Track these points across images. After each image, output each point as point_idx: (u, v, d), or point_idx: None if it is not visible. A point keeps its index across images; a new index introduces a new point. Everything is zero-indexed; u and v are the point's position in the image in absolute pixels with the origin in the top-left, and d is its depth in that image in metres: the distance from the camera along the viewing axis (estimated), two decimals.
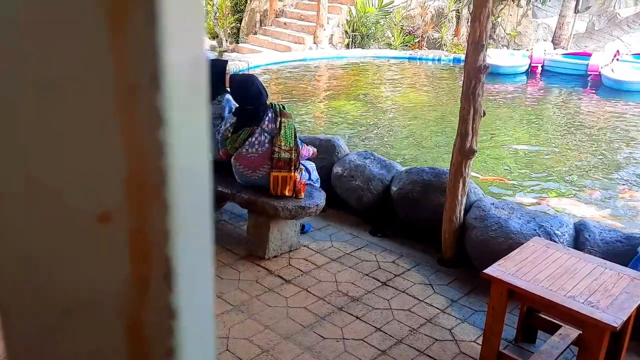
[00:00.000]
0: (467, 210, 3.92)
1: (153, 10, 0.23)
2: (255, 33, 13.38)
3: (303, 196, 3.83)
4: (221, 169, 4.05)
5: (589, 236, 3.50)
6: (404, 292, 3.57)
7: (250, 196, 3.78)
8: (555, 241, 3.39)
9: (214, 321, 0.32)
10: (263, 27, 13.46)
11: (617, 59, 11.42)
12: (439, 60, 12.59)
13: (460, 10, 13.81)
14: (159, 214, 0.26)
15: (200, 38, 0.28)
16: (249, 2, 13.72)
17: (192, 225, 0.28)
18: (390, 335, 3.13)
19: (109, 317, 0.27)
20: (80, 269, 0.26)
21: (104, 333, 0.27)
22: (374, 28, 13.12)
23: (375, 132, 7.69)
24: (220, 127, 4.01)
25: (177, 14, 0.25)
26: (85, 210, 0.26)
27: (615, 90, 10.33)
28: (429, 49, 13.40)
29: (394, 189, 4.31)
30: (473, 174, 4.36)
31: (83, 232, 0.26)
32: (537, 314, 3.06)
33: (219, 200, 4.35)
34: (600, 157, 7.00)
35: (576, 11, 13.56)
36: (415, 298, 3.51)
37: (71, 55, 0.24)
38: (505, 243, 3.50)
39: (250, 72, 9.40)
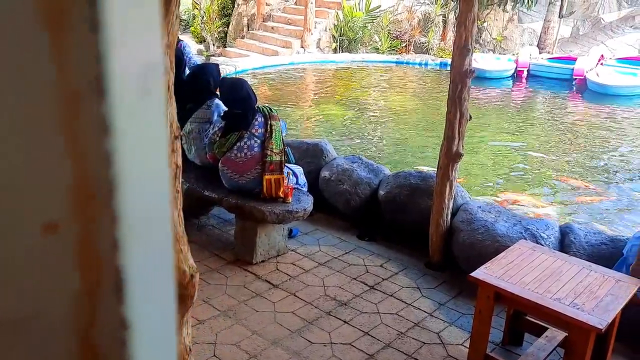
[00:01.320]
0: (454, 214, 3.93)
1: (96, 13, 0.23)
2: (243, 37, 13.36)
3: (291, 200, 3.82)
4: (208, 173, 4.04)
5: (575, 239, 3.53)
6: (391, 295, 3.57)
7: (237, 200, 3.76)
8: (541, 244, 3.41)
9: (175, 332, 0.31)
10: (250, 31, 13.44)
11: (602, 64, 11.56)
12: (425, 64, 12.66)
13: (446, 15, 13.90)
14: (108, 224, 0.25)
15: (156, 42, 0.27)
16: (236, 6, 13.69)
17: (147, 234, 0.27)
18: (378, 339, 3.12)
19: (58, 331, 0.26)
20: (24, 282, 0.26)
21: (53, 348, 0.26)
22: (361, 32, 13.16)
23: (362, 135, 7.70)
24: (209, 131, 3.99)
25: (126, 16, 0.24)
26: (29, 221, 0.25)
27: (600, 94, 10.46)
28: (415, 53, 13.47)
29: (381, 192, 4.32)
30: None
31: (27, 243, 0.25)
32: (523, 317, 3.07)
33: (206, 204, 4.33)
34: (584, 158, 7.06)
35: (561, 16, 13.71)
36: (402, 302, 3.51)
37: (10, 60, 0.23)
38: (492, 246, 3.52)
39: (238, 76, 9.38)
